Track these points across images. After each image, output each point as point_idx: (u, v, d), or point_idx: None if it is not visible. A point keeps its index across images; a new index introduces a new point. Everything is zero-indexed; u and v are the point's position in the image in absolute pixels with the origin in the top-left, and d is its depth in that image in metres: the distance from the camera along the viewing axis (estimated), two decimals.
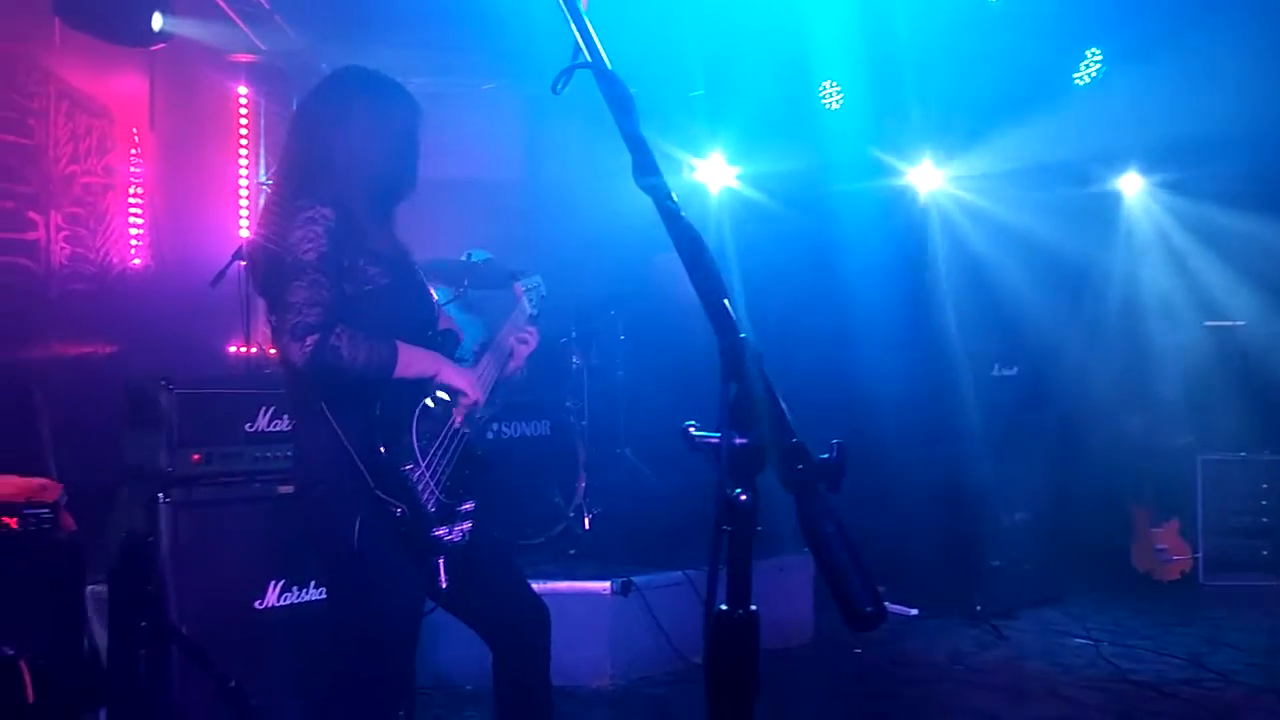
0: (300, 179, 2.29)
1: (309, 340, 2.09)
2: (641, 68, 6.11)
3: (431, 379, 2.34)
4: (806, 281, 6.53)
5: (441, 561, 2.29)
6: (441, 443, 2.36)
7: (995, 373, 5.80)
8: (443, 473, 2.33)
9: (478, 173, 6.93)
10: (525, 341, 2.66)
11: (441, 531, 2.28)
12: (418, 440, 2.28)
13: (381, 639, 2.28)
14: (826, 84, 6.54)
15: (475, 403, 2.42)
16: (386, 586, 2.26)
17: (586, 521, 5.17)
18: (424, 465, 2.28)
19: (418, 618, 2.35)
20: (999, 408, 5.66)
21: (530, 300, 2.78)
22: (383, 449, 2.20)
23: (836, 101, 6.53)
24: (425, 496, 2.26)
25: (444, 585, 2.29)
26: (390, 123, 2.38)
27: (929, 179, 6.93)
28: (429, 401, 2.35)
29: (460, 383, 2.38)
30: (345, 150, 2.31)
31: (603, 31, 1.46)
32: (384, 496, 2.19)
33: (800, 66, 6.39)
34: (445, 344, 2.46)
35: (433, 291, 2.54)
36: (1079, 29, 5.89)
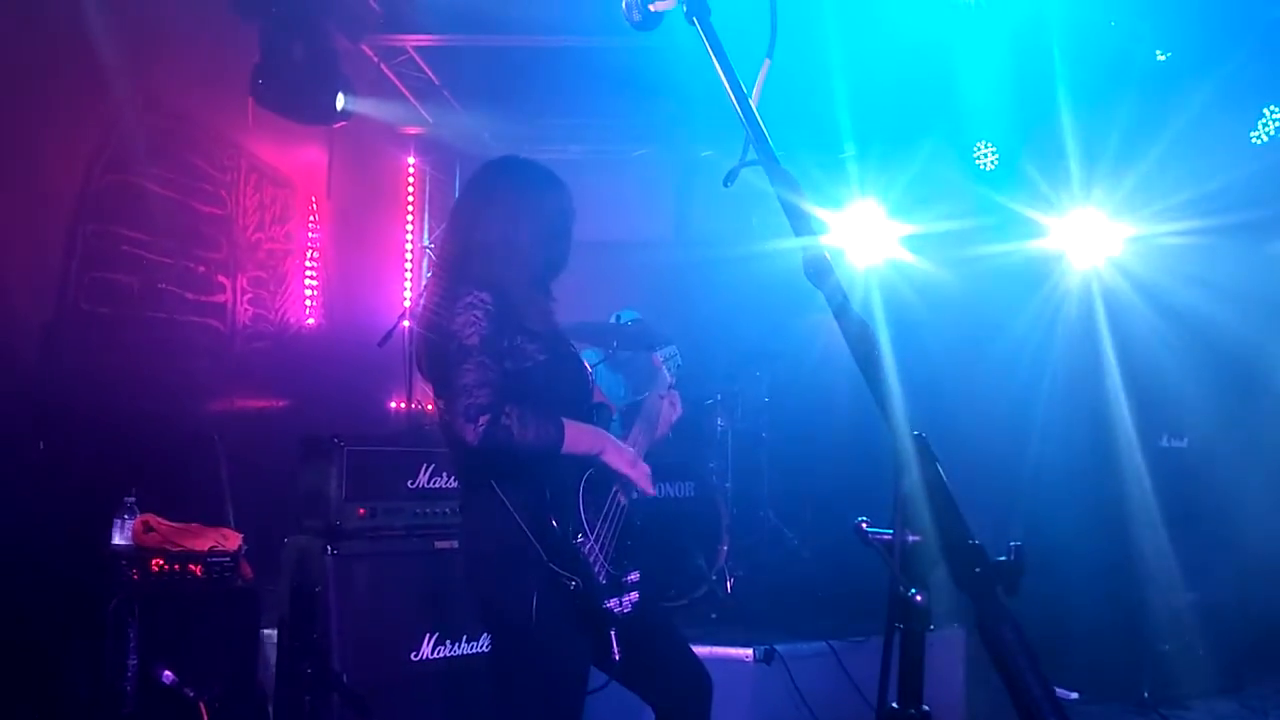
0: (461, 265, 2.41)
1: (481, 420, 2.17)
2: (791, 128, 6.17)
3: (596, 456, 2.39)
4: (960, 345, 6.35)
5: (614, 633, 2.31)
6: (606, 514, 2.40)
7: (1164, 444, 5.47)
8: (608, 544, 2.37)
9: (628, 235, 7.09)
10: (674, 406, 2.72)
11: (612, 603, 2.31)
12: (585, 512, 2.33)
13: (549, 708, 2.32)
14: (981, 144, 6.42)
15: (636, 480, 2.45)
16: (559, 658, 2.30)
17: (729, 585, 5.11)
18: (592, 537, 2.32)
19: (584, 689, 2.37)
20: (1168, 480, 5.32)
21: (669, 369, 2.80)
22: (554, 522, 2.25)
23: (992, 162, 6.39)
24: (596, 569, 2.29)
25: (616, 657, 2.30)
26: (542, 209, 2.49)
27: (1091, 241, 6.65)
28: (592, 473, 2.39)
29: (621, 462, 2.43)
30: (501, 236, 2.41)
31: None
32: (558, 570, 2.23)
33: (953, 127, 6.30)
34: (599, 418, 2.51)
35: (587, 365, 2.62)
36: (1255, 87, 5.59)
